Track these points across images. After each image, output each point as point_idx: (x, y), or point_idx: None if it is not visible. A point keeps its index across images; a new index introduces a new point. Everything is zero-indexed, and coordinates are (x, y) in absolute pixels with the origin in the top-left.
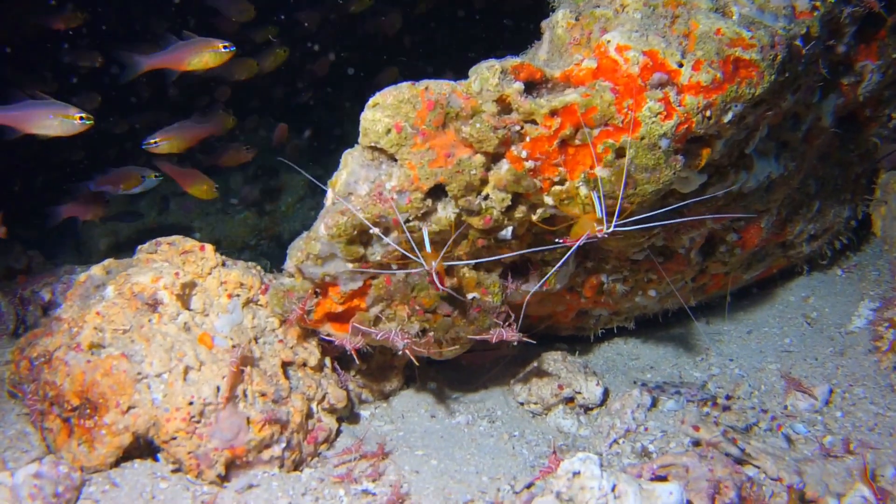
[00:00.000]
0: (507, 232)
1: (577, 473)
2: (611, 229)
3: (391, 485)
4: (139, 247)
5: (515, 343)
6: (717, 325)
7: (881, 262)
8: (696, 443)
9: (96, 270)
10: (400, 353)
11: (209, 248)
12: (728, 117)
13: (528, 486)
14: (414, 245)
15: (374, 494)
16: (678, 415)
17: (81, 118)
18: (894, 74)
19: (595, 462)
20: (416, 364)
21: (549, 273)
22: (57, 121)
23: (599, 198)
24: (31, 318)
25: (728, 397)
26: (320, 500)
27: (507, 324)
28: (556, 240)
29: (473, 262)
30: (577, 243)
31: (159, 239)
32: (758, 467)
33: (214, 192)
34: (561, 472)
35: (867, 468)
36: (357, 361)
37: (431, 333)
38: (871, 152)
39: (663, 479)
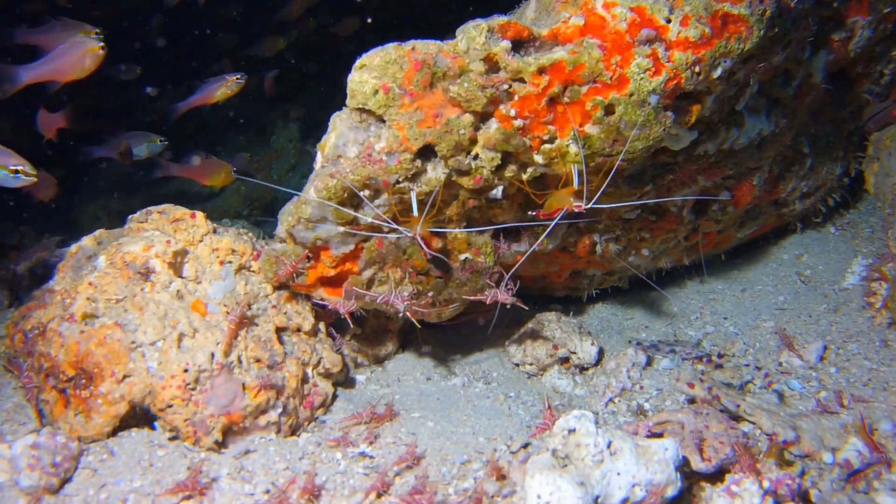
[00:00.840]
0: (498, 191)
1: (572, 431)
2: (589, 206)
3: (405, 444)
4: (130, 216)
5: (509, 305)
6: (711, 283)
7: (874, 219)
8: (692, 400)
9: (87, 241)
10: (401, 315)
11: (200, 215)
12: (717, 73)
13: (525, 446)
14: (395, 214)
15: (371, 457)
16: (673, 373)
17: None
18: (885, 30)
19: (590, 419)
20: (419, 326)
21: (542, 237)
22: (88, 56)
23: (579, 171)
24: (25, 293)
25: (722, 355)
26: (318, 465)
27: (500, 284)
28: (530, 212)
29: (464, 230)
30: (556, 220)
31: (150, 208)
32: (753, 423)
33: (232, 175)
34: (556, 429)
35: (865, 422)
36: (351, 325)
37: (429, 295)
38: (863, 109)
39: (659, 435)
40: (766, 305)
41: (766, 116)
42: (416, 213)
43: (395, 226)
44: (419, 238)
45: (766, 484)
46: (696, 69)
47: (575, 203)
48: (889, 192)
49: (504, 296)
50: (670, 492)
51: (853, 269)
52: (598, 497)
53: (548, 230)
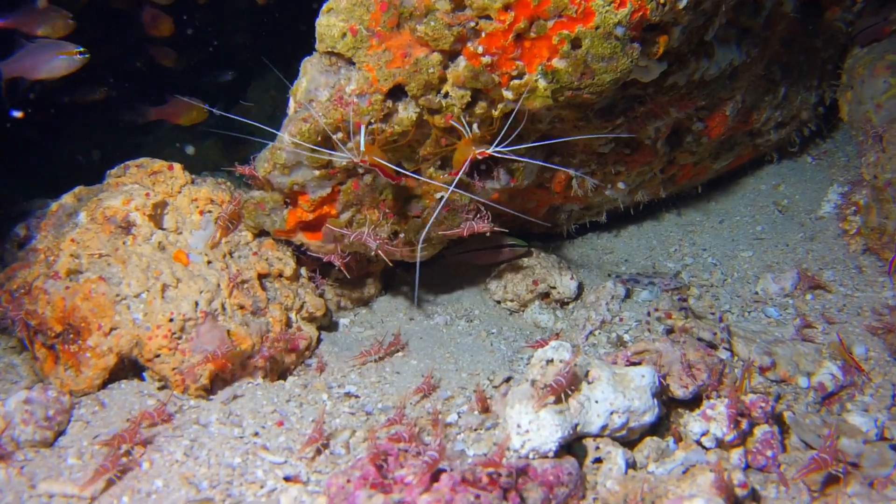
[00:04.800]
0: (475, 129)
1: (550, 361)
2: (490, 150)
3: (388, 383)
4: (108, 171)
5: (488, 233)
6: (689, 215)
7: (850, 148)
8: (670, 330)
9: (67, 199)
10: (373, 253)
11: (178, 166)
12: (683, 3)
13: (507, 380)
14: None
15: (356, 397)
16: (652, 304)
17: (80, 52)
18: None
19: (568, 349)
20: (390, 264)
21: (450, 189)
22: (61, 60)
23: (462, 124)
24: (9, 255)
25: (701, 285)
26: (304, 406)
27: (477, 216)
28: (442, 174)
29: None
30: (461, 170)
31: (128, 162)
32: (729, 350)
33: (205, 112)
34: (535, 360)
35: (843, 343)
36: (345, 273)
37: (402, 235)
38: (837, 37)
39: (637, 364)
40: (744, 235)
41: (736, 46)
42: (362, 147)
43: (339, 153)
44: (361, 162)
45: (740, 407)
46: (661, 0)
47: (478, 151)
48: (862, 120)
49: (480, 224)
50: (648, 418)
51: (829, 198)
52: (576, 425)
53: (453, 184)
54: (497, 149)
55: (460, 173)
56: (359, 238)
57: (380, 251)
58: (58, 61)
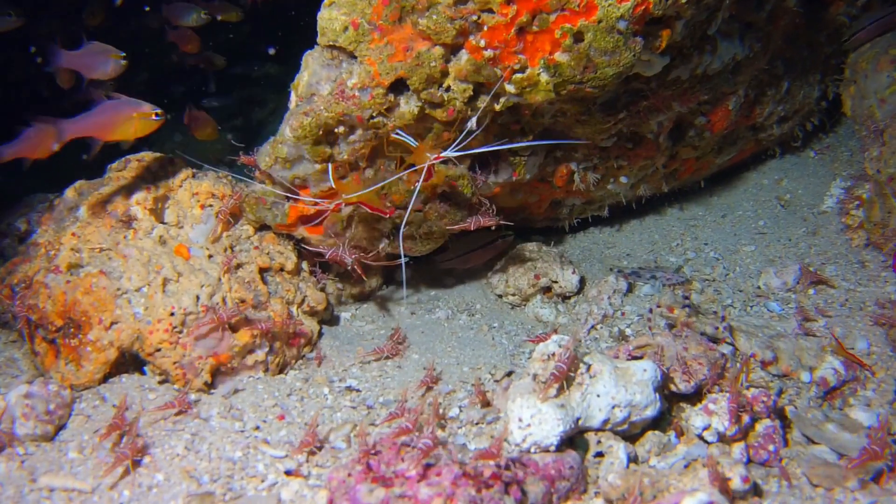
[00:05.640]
0: (472, 122)
1: (551, 355)
2: (444, 155)
3: (389, 377)
4: (109, 165)
5: (493, 227)
6: (692, 210)
7: (853, 142)
8: (672, 324)
9: (69, 193)
10: (349, 267)
11: (178, 160)
12: None
13: (508, 374)
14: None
15: (357, 391)
16: (654, 298)
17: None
18: None
19: (568, 342)
20: (364, 279)
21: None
22: (113, 62)
23: (404, 137)
24: (10, 250)
25: (703, 280)
26: (305, 400)
27: (482, 210)
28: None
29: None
30: (420, 179)
31: (128, 157)
32: (731, 345)
33: (217, 132)
34: (536, 354)
35: (840, 343)
36: (360, 273)
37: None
38: (840, 32)
39: (639, 358)
40: (747, 230)
41: (739, 41)
42: (331, 182)
43: (317, 201)
44: (335, 210)
45: (741, 401)
46: None
47: (432, 157)
48: (865, 115)
49: (486, 219)
50: (650, 412)
51: (832, 192)
52: (578, 419)
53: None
54: (448, 153)
55: (419, 181)
56: (334, 255)
57: (356, 266)
58: (111, 63)
